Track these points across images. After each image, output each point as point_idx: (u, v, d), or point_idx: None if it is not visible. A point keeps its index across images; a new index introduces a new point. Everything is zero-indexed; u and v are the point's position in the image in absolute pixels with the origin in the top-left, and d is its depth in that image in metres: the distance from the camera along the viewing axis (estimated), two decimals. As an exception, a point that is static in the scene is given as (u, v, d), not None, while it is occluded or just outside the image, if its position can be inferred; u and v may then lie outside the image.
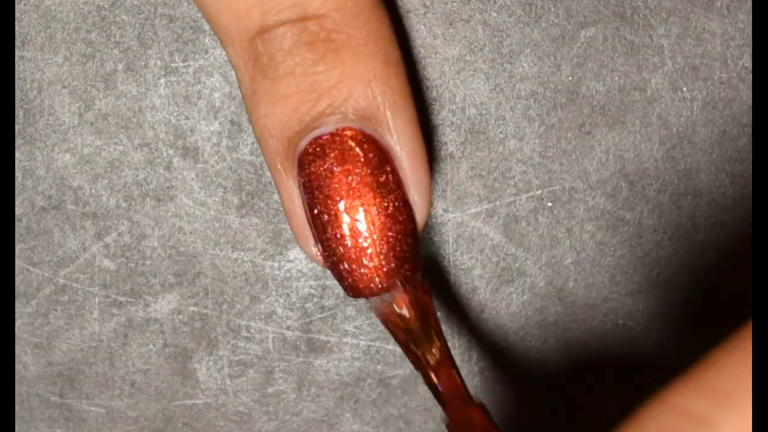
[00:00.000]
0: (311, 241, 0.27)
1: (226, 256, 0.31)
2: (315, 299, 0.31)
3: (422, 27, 0.30)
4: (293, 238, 0.31)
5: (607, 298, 0.31)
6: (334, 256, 0.26)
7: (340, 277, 0.27)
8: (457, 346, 0.32)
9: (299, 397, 0.32)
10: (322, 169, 0.26)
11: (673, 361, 0.32)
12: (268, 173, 0.30)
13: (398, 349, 0.32)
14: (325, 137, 0.26)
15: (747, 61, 0.30)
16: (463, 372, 0.32)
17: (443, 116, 0.30)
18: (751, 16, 0.30)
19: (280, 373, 0.31)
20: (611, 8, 0.30)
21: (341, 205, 0.26)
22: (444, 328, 0.32)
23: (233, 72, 0.30)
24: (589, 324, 0.32)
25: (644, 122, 0.30)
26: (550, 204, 0.31)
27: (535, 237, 0.31)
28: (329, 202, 0.26)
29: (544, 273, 0.31)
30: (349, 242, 0.26)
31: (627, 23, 0.30)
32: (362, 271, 0.26)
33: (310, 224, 0.27)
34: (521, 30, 0.30)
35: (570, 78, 0.30)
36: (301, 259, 0.31)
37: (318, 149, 0.26)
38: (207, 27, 0.29)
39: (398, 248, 0.26)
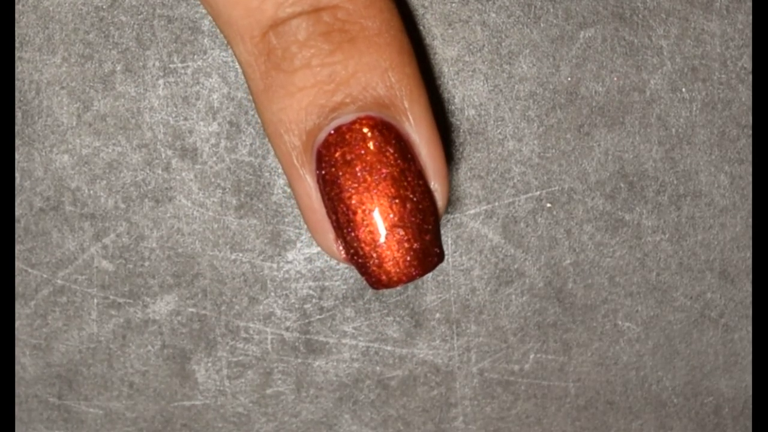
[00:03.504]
0: (331, 236, 0.27)
1: (225, 257, 0.31)
2: (314, 300, 0.31)
3: (421, 28, 0.30)
4: (292, 239, 0.31)
5: (606, 299, 0.31)
6: (357, 249, 0.26)
7: (364, 270, 0.27)
8: (456, 347, 0.32)
9: (298, 398, 0.32)
10: (343, 159, 0.26)
11: (672, 362, 0.32)
12: (266, 174, 0.30)
13: (397, 350, 0.32)
14: (345, 127, 0.26)
15: (746, 61, 0.30)
16: (462, 373, 0.32)
17: (442, 117, 0.30)
18: (750, 17, 0.30)
19: (279, 374, 0.31)
20: (610, 9, 0.30)
21: (365, 196, 0.26)
22: (443, 329, 0.32)
23: (232, 73, 0.30)
24: (588, 325, 0.32)
25: (643, 123, 0.30)
26: (549, 205, 0.31)
27: (534, 238, 0.31)
28: (352, 192, 0.26)
29: (543, 274, 0.31)
30: (373, 234, 0.26)
31: (626, 24, 0.30)
32: (387, 263, 0.26)
33: (330, 219, 0.26)
34: (520, 31, 0.30)
35: (569, 79, 0.30)
36: (300, 260, 0.31)
37: (339, 139, 0.26)
38: (206, 28, 0.29)
39: (423, 238, 0.26)
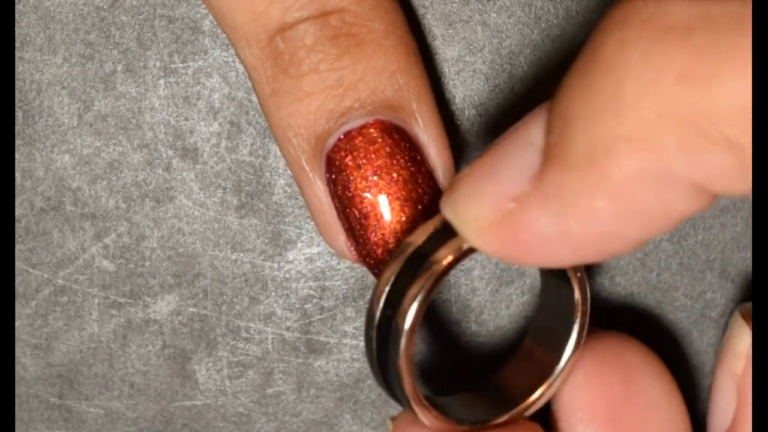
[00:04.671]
0: (342, 238, 0.27)
1: (226, 257, 0.31)
2: (314, 300, 0.31)
3: (421, 28, 0.30)
4: (293, 239, 0.31)
5: (606, 300, 0.31)
6: (369, 251, 0.26)
7: (377, 271, 0.27)
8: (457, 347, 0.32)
9: (298, 398, 0.32)
10: (354, 163, 0.26)
11: (672, 362, 0.32)
12: (267, 174, 0.30)
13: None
14: (354, 131, 0.26)
15: (746, 62, 0.30)
16: (463, 373, 0.32)
17: (442, 117, 0.30)
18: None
19: (280, 374, 0.31)
20: (611, 9, 0.30)
21: (377, 200, 0.26)
22: (443, 328, 0.32)
23: (233, 73, 0.30)
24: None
25: (644, 123, 0.30)
26: (549, 205, 0.31)
27: (535, 238, 0.31)
28: (363, 195, 0.26)
29: (544, 274, 0.31)
30: (385, 236, 0.26)
31: (626, 24, 0.30)
32: None
33: (341, 221, 0.27)
34: (521, 31, 0.30)
35: (569, 79, 0.30)
36: (301, 260, 0.31)
37: (349, 144, 0.26)
38: (207, 28, 0.29)
39: None
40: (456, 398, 0.28)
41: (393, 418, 0.28)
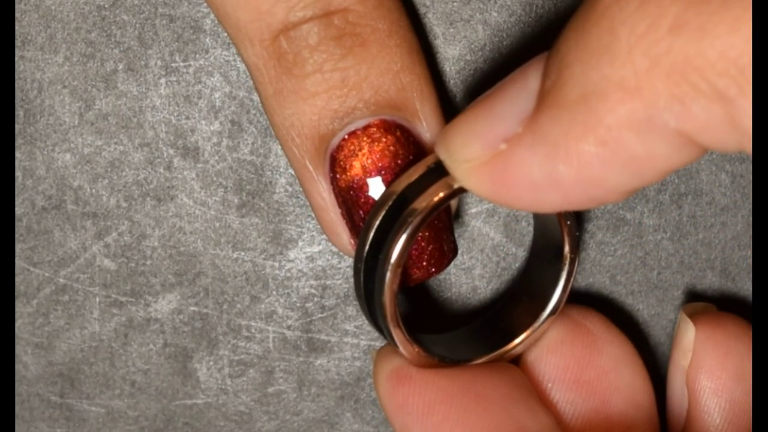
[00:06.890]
0: (345, 236, 0.27)
1: (227, 255, 0.31)
2: (315, 299, 0.31)
3: (422, 27, 0.30)
4: (294, 238, 0.31)
5: (608, 298, 0.31)
6: None
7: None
8: (458, 345, 0.32)
9: (299, 396, 0.32)
10: (358, 163, 0.26)
11: (673, 360, 0.32)
12: (268, 173, 0.30)
13: (398, 349, 0.32)
14: (359, 131, 0.26)
15: (747, 61, 0.30)
16: (464, 372, 0.32)
17: (444, 117, 0.30)
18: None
19: (281, 373, 0.32)
20: (612, 8, 0.30)
21: (380, 199, 0.26)
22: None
23: (234, 72, 0.30)
24: (589, 324, 0.32)
25: (644, 122, 0.30)
26: (550, 204, 0.31)
27: (536, 237, 0.31)
28: (368, 194, 0.26)
29: (545, 273, 0.31)
30: None
31: (627, 23, 0.30)
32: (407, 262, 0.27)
33: (345, 220, 0.27)
34: (522, 30, 0.30)
35: (570, 78, 0.30)
36: (302, 259, 0.31)
37: (353, 144, 0.26)
38: (207, 27, 0.29)
39: (439, 237, 0.27)
40: (441, 337, 0.29)
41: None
